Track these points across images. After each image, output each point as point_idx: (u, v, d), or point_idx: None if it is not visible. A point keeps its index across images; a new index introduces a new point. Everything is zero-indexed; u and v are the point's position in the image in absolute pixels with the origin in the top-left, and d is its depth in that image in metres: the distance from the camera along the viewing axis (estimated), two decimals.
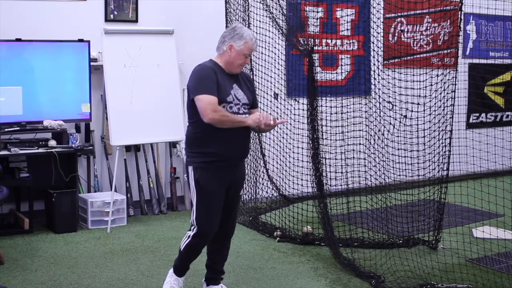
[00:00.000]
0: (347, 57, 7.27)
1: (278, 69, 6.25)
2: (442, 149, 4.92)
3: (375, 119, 5.15)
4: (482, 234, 5.19)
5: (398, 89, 5.09)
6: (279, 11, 5.44)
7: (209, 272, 4.00)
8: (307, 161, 5.36)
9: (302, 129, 5.69)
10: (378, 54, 5.26)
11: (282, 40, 6.07)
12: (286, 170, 6.26)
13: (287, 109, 6.20)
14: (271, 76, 6.21)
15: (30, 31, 5.74)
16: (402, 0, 5.51)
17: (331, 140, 5.35)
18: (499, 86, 8.67)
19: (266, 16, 5.72)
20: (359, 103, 5.74)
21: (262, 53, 6.04)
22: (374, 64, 5.16)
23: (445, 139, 4.90)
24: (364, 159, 5.53)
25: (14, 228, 5.57)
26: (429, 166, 5.07)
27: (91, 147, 6.04)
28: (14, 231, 5.48)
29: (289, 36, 5.55)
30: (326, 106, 5.36)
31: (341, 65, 7.23)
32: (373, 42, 5.81)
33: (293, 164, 6.08)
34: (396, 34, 7.57)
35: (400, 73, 5.07)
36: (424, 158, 5.20)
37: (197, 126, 3.67)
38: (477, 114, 8.51)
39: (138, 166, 6.42)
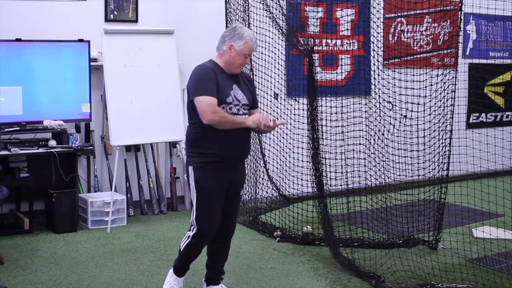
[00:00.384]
0: (347, 57, 7.27)
1: (278, 69, 6.25)
2: (442, 149, 4.92)
3: (375, 119, 5.15)
4: (482, 234, 5.19)
5: (398, 89, 5.09)
6: (279, 11, 5.44)
7: (209, 272, 4.00)
8: (307, 161, 5.36)
9: (302, 129, 5.69)
10: (378, 54, 5.26)
11: (282, 40, 6.07)
12: (286, 170, 6.26)
13: (287, 109, 6.20)
14: (271, 76, 6.21)
15: (30, 31, 5.74)
16: (402, 0, 5.51)
17: (331, 140, 5.35)
18: (499, 86, 8.67)
19: (266, 16, 5.72)
20: (359, 103, 5.74)
21: (262, 53, 6.03)
22: (374, 64, 5.16)
23: (445, 139, 4.90)
24: (364, 159, 5.53)
25: (14, 228, 5.57)
26: (429, 166, 5.07)
27: (91, 147, 6.04)
28: (14, 231, 5.48)
29: (289, 36, 5.55)
30: (326, 106, 5.36)
31: (341, 65, 7.23)
32: (373, 42, 5.82)
33: (293, 164, 6.07)
34: (396, 34, 7.57)
35: (400, 73, 5.07)
36: (424, 158, 5.20)
37: (198, 126, 3.67)
38: (477, 114, 8.51)
39: (138, 166, 6.42)
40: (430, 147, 5.06)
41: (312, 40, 5.32)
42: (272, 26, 5.69)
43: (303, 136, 5.64)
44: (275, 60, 6.15)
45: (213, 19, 6.35)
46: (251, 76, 5.91)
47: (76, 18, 6.08)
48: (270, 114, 4.26)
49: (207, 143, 3.66)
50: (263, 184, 6.45)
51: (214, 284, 3.99)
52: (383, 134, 5.12)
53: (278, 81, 6.41)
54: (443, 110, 4.91)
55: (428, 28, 7.65)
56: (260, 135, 6.13)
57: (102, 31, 5.87)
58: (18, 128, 5.58)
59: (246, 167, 4.32)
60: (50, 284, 4.24)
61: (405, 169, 5.36)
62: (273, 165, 6.44)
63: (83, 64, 5.87)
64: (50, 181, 5.63)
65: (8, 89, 5.59)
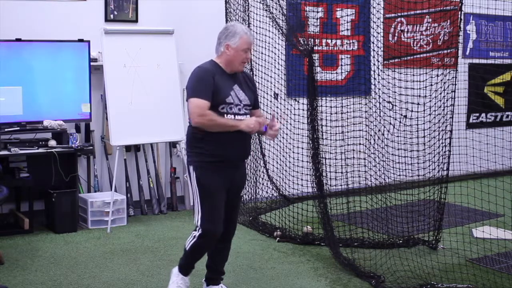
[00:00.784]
0: (347, 57, 7.27)
1: (278, 69, 6.25)
2: (442, 149, 4.92)
3: (375, 119, 5.16)
4: (482, 234, 5.19)
5: (398, 89, 5.10)
6: (279, 11, 5.44)
7: (209, 272, 4.00)
8: (307, 161, 5.36)
9: (302, 129, 5.69)
10: (378, 54, 5.26)
11: (282, 40, 6.08)
12: (286, 170, 6.26)
13: (287, 109, 6.20)
14: (271, 76, 6.21)
15: (30, 31, 5.74)
16: (402, 0, 5.51)
17: (331, 140, 5.35)
18: (499, 86, 8.67)
19: (266, 16, 5.72)
20: (359, 103, 5.74)
21: (262, 53, 6.04)
22: (374, 64, 5.16)
23: (445, 139, 4.90)
24: (364, 159, 5.53)
25: (14, 228, 5.57)
26: (429, 166, 5.07)
27: (91, 147, 6.04)
28: (14, 231, 5.48)
29: (289, 36, 5.55)
30: (326, 106, 5.36)
31: (341, 65, 7.23)
32: (373, 42, 5.82)
33: (293, 164, 6.08)
34: (396, 34, 7.57)
35: (400, 73, 5.07)
36: (424, 158, 5.20)
37: (198, 126, 3.67)
38: (477, 114, 8.51)
39: (138, 166, 6.42)
40: (430, 147, 5.06)
41: (312, 40, 5.32)
42: (272, 26, 5.69)
43: (303, 136, 5.64)
44: (275, 60, 6.15)
45: (213, 19, 6.34)
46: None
47: (76, 18, 6.08)
48: (274, 111, 4.24)
49: (207, 143, 3.66)
50: (263, 184, 6.45)
51: (214, 284, 3.99)
52: (383, 134, 5.13)
53: (278, 81, 6.41)
54: (443, 110, 4.91)
55: (428, 28, 7.65)
56: (260, 135, 6.13)
57: (102, 31, 5.87)
58: (18, 128, 5.58)
59: (246, 167, 4.31)
60: (50, 284, 4.24)
61: (405, 169, 5.36)
62: (273, 165, 6.44)
63: (83, 64, 5.86)
64: (50, 181, 5.63)
65: (8, 89, 5.59)
